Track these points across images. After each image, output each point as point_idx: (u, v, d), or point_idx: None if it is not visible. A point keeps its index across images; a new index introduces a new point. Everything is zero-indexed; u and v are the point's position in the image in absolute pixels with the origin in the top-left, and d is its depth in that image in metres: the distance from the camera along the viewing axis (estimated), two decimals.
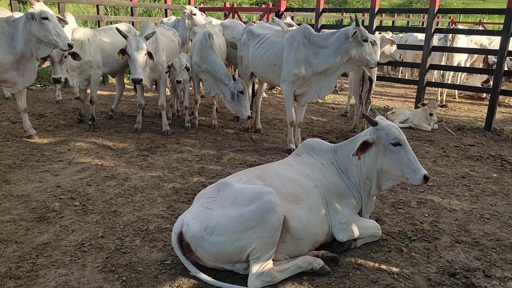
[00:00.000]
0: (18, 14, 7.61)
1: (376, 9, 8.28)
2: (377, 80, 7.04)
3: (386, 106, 8.52)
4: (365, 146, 3.01)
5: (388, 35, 7.77)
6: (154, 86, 7.85)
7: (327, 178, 3.19)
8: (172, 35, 6.71)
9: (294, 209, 2.85)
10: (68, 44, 4.65)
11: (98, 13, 9.63)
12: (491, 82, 7.23)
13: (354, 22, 4.69)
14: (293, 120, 5.30)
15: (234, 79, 5.62)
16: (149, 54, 5.39)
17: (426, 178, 2.88)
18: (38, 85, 9.18)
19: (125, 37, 5.38)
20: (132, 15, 10.51)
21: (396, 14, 20.33)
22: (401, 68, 12.46)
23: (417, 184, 2.92)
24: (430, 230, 3.39)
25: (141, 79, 5.26)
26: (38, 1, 4.76)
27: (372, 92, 6.45)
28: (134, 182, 4.17)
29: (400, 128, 3.14)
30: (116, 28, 5.82)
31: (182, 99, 6.68)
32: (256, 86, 6.70)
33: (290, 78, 5.01)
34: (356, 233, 3.04)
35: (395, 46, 8.27)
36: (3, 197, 3.66)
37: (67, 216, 3.40)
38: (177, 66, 5.81)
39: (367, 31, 4.77)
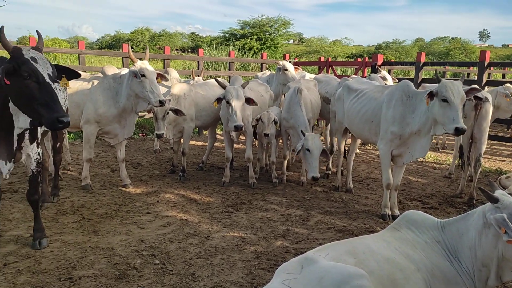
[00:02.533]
0: (125, 71, 8.38)
1: (486, 63, 7.56)
2: (488, 139, 6.26)
3: (498, 169, 7.52)
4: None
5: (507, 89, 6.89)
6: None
7: (432, 261, 2.68)
8: (263, 90, 6.74)
9: None
10: (159, 101, 4.83)
11: (198, 68, 10.21)
12: None
13: (436, 79, 4.22)
14: (389, 182, 4.82)
15: (304, 135, 5.38)
16: (248, 100, 5.50)
17: None
18: (141, 134, 9.82)
19: (224, 86, 5.50)
20: (229, 69, 10.99)
21: (506, 68, 18.73)
22: None
23: None
24: None
25: (242, 125, 5.32)
26: (142, 59, 5.08)
27: (482, 153, 5.70)
28: (216, 241, 4.01)
29: None
30: (215, 79, 6.02)
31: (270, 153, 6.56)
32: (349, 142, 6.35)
33: (388, 136, 4.62)
34: None
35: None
36: (89, 249, 3.72)
37: (146, 276, 3.30)
38: (265, 119, 5.75)
39: (449, 89, 4.07)
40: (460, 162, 6.64)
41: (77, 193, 5.31)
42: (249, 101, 5.57)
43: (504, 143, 9.92)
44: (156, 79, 5.13)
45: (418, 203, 5.60)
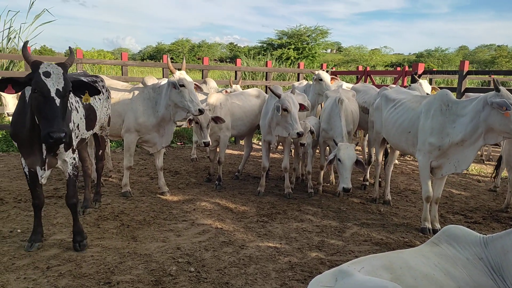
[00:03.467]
0: (164, 81, 8.61)
1: None
2: None
3: None
4: None
5: None
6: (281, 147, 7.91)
7: (474, 279, 2.57)
8: (301, 100, 6.69)
9: None
10: (199, 109, 4.92)
11: (235, 78, 10.34)
12: None
13: (494, 87, 4.04)
14: (429, 195, 4.66)
15: (336, 144, 5.25)
16: (302, 106, 5.55)
17: None
18: (179, 143, 10.04)
19: (279, 96, 5.50)
20: (266, 79, 11.06)
21: None
22: None
23: None
24: None
25: (303, 132, 5.34)
26: (180, 69, 5.22)
27: None
28: (250, 251, 4.01)
29: None
30: (269, 87, 6.07)
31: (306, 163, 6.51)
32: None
33: (426, 148, 4.48)
34: None
35: None
36: (128, 255, 3.82)
37: (181, 283, 3.35)
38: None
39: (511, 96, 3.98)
40: (495, 173, 6.36)
41: (118, 200, 5.48)
42: (300, 107, 5.58)
43: None
44: None
45: (461, 217, 5.37)
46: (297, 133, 5.23)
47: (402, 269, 2.54)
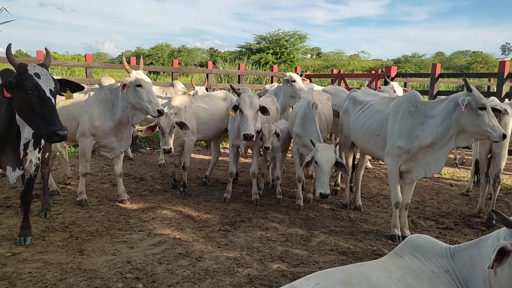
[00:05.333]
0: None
1: (506, 74, 7.15)
2: (509, 154, 5.83)
3: None
4: (500, 254, 2.15)
5: None
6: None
7: None
8: (270, 103, 6.48)
9: None
10: (157, 110, 4.63)
11: (207, 81, 10.04)
12: None
13: (466, 87, 3.88)
14: (398, 201, 4.46)
15: (314, 145, 4.85)
16: (262, 109, 5.24)
17: None
18: (148, 148, 9.67)
19: (239, 94, 5.27)
20: (239, 82, 10.80)
21: None
22: None
23: None
24: None
25: (253, 135, 5.04)
26: (139, 68, 4.90)
27: (502, 170, 5.29)
28: (207, 263, 3.72)
29: None
30: (231, 85, 5.82)
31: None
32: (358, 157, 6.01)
33: (395, 151, 4.28)
34: None
35: None
36: (71, 270, 3.48)
37: None
38: (266, 131, 5.47)
39: (483, 97, 3.85)
40: (476, 178, 6.24)
41: (71, 209, 5.11)
42: (264, 110, 5.31)
43: None
44: None
45: (432, 222, 5.20)
46: (244, 135, 4.94)
47: (362, 285, 2.30)
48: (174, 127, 5.35)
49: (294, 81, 7.00)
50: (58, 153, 6.35)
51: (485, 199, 5.57)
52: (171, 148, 5.28)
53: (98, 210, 5.11)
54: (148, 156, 8.93)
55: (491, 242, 2.33)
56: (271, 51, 33.01)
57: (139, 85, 4.64)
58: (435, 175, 7.80)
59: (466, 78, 4.02)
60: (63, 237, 4.21)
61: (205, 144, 9.67)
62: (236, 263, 3.75)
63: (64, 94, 3.70)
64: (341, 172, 6.24)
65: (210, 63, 10.36)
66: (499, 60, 7.85)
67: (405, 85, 13.65)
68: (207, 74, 9.99)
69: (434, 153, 4.18)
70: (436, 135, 4.04)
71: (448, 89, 16.56)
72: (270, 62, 30.35)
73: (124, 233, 4.39)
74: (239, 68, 10.89)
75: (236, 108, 5.10)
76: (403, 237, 4.46)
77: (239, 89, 5.45)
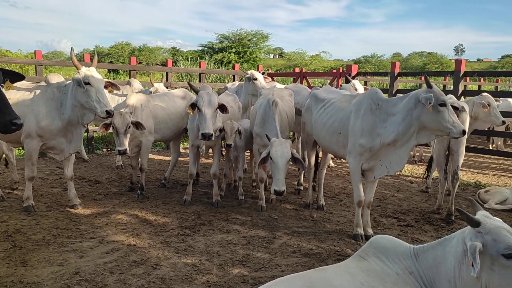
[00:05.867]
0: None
1: (462, 72, 7.32)
2: (466, 151, 5.95)
3: (477, 182, 7.22)
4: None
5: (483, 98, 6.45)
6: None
7: None
8: (232, 101, 6.31)
9: None
10: (106, 111, 4.33)
11: (167, 79, 9.74)
12: None
13: (426, 84, 3.87)
14: (361, 199, 4.41)
15: (269, 140, 4.72)
16: (221, 107, 5.04)
17: None
18: (105, 149, 9.25)
19: (197, 91, 5.05)
20: (200, 81, 10.55)
21: (482, 79, 18.82)
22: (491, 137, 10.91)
23: None
24: None
25: (212, 134, 4.81)
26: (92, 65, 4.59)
27: (460, 166, 5.37)
28: (164, 271, 3.50)
29: (498, 210, 2.21)
30: (188, 82, 5.59)
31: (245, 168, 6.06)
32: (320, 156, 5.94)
33: (357, 149, 4.22)
34: None
35: (491, 109, 6.79)
36: (11, 284, 3.17)
37: None
38: (228, 129, 5.30)
39: (443, 94, 3.85)
40: (426, 174, 6.34)
41: (16, 216, 4.73)
42: (223, 108, 5.11)
43: (483, 155, 9.68)
44: (106, 88, 4.66)
45: (394, 220, 5.20)
46: (202, 134, 4.75)
47: None
48: (129, 127, 5.07)
49: (256, 79, 6.85)
50: (3, 156, 5.90)
51: (444, 196, 5.64)
52: (126, 149, 5.01)
53: (46, 217, 4.75)
54: (105, 158, 8.52)
55: (455, 242, 2.26)
56: (234, 50, 32.80)
57: (88, 83, 4.33)
58: (396, 173, 7.90)
59: (427, 75, 4.01)
60: (5, 247, 3.86)
61: (165, 144, 9.37)
62: (195, 269, 3.55)
63: (3, 85, 3.50)
64: (304, 172, 6.19)
65: (169, 61, 10.05)
66: (456, 59, 7.98)
67: (365, 83, 13.86)
68: (166, 73, 9.68)
69: (396, 151, 4.15)
70: (398, 132, 4.01)
71: (406, 88, 16.96)
72: (233, 62, 30.14)
73: (74, 241, 4.08)
74: (200, 67, 10.64)
75: (194, 106, 4.89)
76: (366, 236, 4.41)
77: (198, 87, 5.23)
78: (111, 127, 5.06)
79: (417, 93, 3.88)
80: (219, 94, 5.11)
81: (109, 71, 25.06)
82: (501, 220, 2.23)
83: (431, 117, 3.77)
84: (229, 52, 32.45)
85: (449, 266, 2.25)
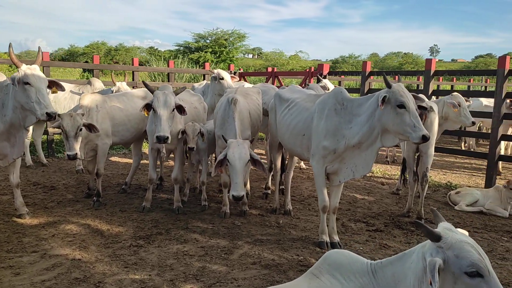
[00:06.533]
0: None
1: (432, 71, 7.21)
2: (438, 152, 5.82)
3: (448, 183, 7.11)
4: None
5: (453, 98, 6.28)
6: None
7: None
8: (196, 101, 6.01)
9: None
10: (47, 113, 3.97)
11: (133, 79, 9.36)
12: None
13: (386, 84, 3.65)
14: (325, 205, 4.17)
15: (226, 141, 4.43)
16: (179, 108, 4.73)
17: None
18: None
19: (152, 91, 4.74)
20: (168, 80, 10.19)
21: (455, 78, 18.99)
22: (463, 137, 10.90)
23: None
24: None
25: (168, 137, 4.50)
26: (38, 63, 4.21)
27: (429, 168, 5.21)
28: None
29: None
30: (143, 82, 5.28)
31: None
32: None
33: (320, 152, 3.98)
34: None
35: (462, 110, 6.59)
36: None
37: None
38: (190, 131, 5.00)
39: (406, 95, 3.56)
40: (403, 177, 6.18)
41: None
42: (181, 109, 4.80)
43: (455, 156, 9.64)
44: (51, 88, 4.30)
45: (363, 224, 5.00)
46: (157, 137, 4.46)
47: None
48: (80, 130, 4.71)
49: (222, 78, 6.57)
50: None
51: (414, 198, 5.48)
52: (76, 153, 4.65)
53: None
54: (65, 162, 8.07)
55: (415, 257, 2.03)
56: (210, 50, 32.44)
57: (27, 83, 3.96)
58: (367, 174, 7.74)
59: (385, 75, 3.77)
60: None
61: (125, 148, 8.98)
62: (142, 286, 3.24)
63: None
64: (271, 174, 5.93)
65: (136, 60, 9.65)
66: (426, 58, 7.89)
67: (339, 83, 13.75)
68: (133, 72, 9.29)
69: (361, 153, 3.92)
70: (363, 134, 3.78)
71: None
72: (209, 61, 29.79)
73: (13, 256, 3.72)
74: (168, 66, 10.28)
75: (149, 107, 4.58)
76: (332, 244, 4.19)
77: (155, 87, 4.92)
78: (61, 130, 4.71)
79: (379, 93, 3.66)
80: (177, 94, 4.81)
81: (84, 70, 24.34)
82: (465, 233, 2.02)
83: (391, 119, 3.55)
84: (206, 52, 32.07)
85: (408, 283, 2.02)
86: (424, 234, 1.93)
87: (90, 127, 4.85)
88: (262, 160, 4.44)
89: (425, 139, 3.42)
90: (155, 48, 58.02)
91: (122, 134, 5.56)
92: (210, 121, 5.97)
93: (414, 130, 3.43)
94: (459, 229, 2.19)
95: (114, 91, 6.72)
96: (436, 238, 1.91)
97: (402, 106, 3.48)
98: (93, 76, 8.35)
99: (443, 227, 2.01)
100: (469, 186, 6.66)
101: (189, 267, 3.60)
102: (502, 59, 6.35)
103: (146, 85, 4.79)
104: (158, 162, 6.24)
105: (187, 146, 5.11)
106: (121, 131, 5.52)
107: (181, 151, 5.37)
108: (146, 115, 4.69)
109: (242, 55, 43.30)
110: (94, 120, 5.14)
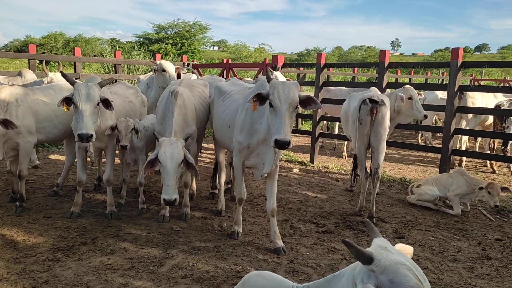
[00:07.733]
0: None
1: (386, 63, 7.00)
2: (391, 146, 5.60)
3: (403, 178, 6.95)
4: None
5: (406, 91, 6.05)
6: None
7: None
8: (132, 95, 5.49)
9: None
10: None
11: (75, 71, 8.68)
12: None
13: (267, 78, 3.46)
14: (241, 197, 4.08)
15: (157, 139, 4.01)
16: (105, 102, 4.22)
17: None
18: None
19: (72, 83, 4.21)
20: (115, 72, 9.56)
21: (413, 71, 19.19)
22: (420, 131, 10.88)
23: None
24: None
25: (91, 135, 4.00)
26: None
27: (381, 164, 4.97)
28: None
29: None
30: (61, 71, 4.73)
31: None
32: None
33: (236, 146, 3.84)
34: None
35: (414, 103, 6.36)
36: None
37: None
38: (122, 127, 4.52)
39: (276, 92, 3.30)
40: (354, 174, 5.97)
41: None
42: (107, 103, 4.29)
43: (411, 150, 9.56)
44: None
45: (313, 226, 4.70)
46: (78, 135, 4.00)
47: None
48: None
49: (164, 70, 6.08)
50: None
51: (366, 195, 5.23)
52: None
53: None
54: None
55: (345, 282, 1.69)
56: (171, 41, 31.52)
57: None
58: (322, 170, 7.49)
59: (269, 68, 3.55)
60: None
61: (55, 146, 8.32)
62: None
63: None
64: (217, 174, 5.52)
65: (78, 50, 8.95)
66: (380, 50, 7.69)
67: (298, 76, 13.49)
68: (74, 63, 8.61)
69: (270, 150, 3.70)
70: (266, 130, 3.62)
71: (345, 81, 16.82)
72: (171, 53, 28.91)
73: None
74: (115, 57, 9.63)
75: (69, 101, 4.06)
76: (276, 249, 3.86)
77: (75, 79, 4.38)
78: None
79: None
80: (102, 86, 4.29)
81: (41, 61, 23.02)
82: (401, 252, 1.68)
83: (270, 116, 3.38)
84: (166, 44, 31.14)
85: None
86: (353, 255, 1.58)
87: (6, 123, 4.27)
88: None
89: (277, 144, 3.20)
90: (117, 39, 56.12)
91: (48, 131, 4.99)
92: (148, 116, 5.48)
93: (277, 132, 3.23)
94: (398, 245, 1.88)
95: (46, 82, 6.10)
96: (367, 260, 1.57)
97: (270, 104, 3.33)
98: (29, 68, 7.64)
99: (377, 245, 1.67)
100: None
101: (109, 285, 3.15)
102: (455, 51, 6.20)
103: (64, 76, 4.27)
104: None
105: (118, 145, 4.62)
106: (46, 127, 4.95)
107: (112, 149, 4.87)
108: (66, 110, 4.16)
109: (206, 47, 42.53)
110: (14, 115, 4.56)
